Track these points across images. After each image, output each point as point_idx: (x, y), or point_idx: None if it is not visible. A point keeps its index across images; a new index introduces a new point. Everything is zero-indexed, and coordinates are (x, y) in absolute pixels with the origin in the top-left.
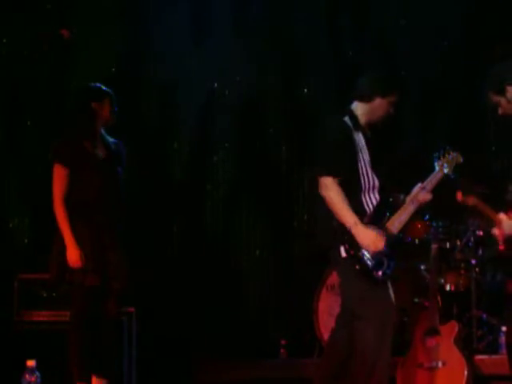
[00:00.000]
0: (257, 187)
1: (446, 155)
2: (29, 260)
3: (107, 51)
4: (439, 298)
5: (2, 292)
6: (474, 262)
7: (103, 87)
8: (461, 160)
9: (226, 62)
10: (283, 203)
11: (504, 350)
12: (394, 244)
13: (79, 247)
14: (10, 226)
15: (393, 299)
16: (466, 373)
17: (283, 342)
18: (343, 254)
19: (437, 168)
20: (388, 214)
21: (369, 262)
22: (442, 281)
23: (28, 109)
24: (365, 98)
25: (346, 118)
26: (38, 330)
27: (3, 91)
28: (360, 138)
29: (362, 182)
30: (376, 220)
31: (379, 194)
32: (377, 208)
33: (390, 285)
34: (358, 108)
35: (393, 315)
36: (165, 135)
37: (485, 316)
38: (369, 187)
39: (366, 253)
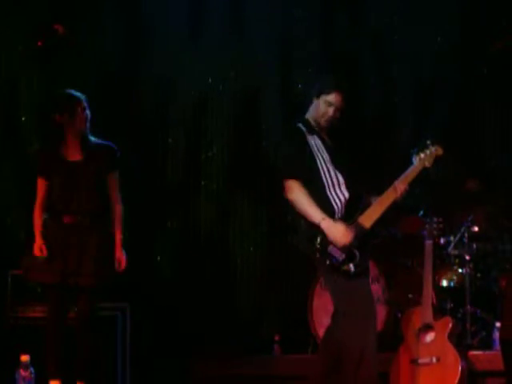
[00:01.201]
0: (251, 183)
1: (425, 149)
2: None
3: (102, 48)
4: (433, 293)
5: None
6: (468, 257)
7: (68, 94)
8: (441, 153)
9: (219, 58)
10: (278, 199)
11: (498, 346)
12: (366, 238)
13: (44, 243)
14: (5, 221)
15: (371, 292)
16: (459, 368)
17: (277, 338)
18: (317, 252)
19: (414, 162)
20: (360, 209)
21: (338, 257)
22: (436, 277)
23: (24, 105)
24: (307, 103)
25: (300, 124)
26: (32, 326)
27: None
28: (316, 141)
29: (324, 179)
30: (347, 215)
31: (347, 190)
32: (346, 204)
33: (368, 278)
34: (308, 113)
35: (372, 307)
36: (160, 131)
37: (479, 312)
38: (333, 184)
39: (333, 248)
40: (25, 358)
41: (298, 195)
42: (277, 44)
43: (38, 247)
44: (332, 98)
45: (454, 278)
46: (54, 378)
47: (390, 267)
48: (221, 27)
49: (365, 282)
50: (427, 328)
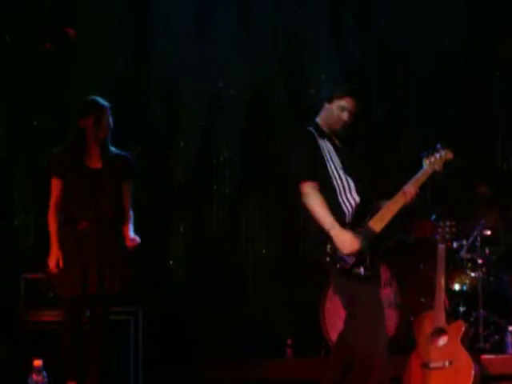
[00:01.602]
0: (263, 186)
1: (435, 153)
2: (35, 259)
3: (111, 50)
4: (446, 297)
5: (8, 292)
6: (480, 261)
7: (95, 101)
8: (451, 157)
9: (230, 61)
10: (289, 202)
11: (511, 350)
12: (377, 242)
13: (61, 253)
14: (16, 225)
15: (380, 297)
16: (472, 372)
17: (289, 342)
18: (327, 256)
19: (424, 166)
20: (370, 213)
21: (348, 260)
22: (449, 280)
23: (32, 107)
24: (318, 107)
25: (311, 128)
26: (44, 330)
27: (8, 90)
28: (327, 145)
29: (336, 184)
30: (357, 220)
31: (359, 195)
32: (357, 208)
33: (378, 283)
34: (319, 117)
35: (382, 312)
36: (169, 135)
37: (491, 316)
38: (344, 189)
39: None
40: (37, 362)
41: (313, 199)
42: (285, 45)
43: (55, 261)
44: (345, 102)
45: (467, 281)
46: (71, 380)
47: (403, 271)
48: (229, 29)
49: (375, 287)
50: (440, 332)
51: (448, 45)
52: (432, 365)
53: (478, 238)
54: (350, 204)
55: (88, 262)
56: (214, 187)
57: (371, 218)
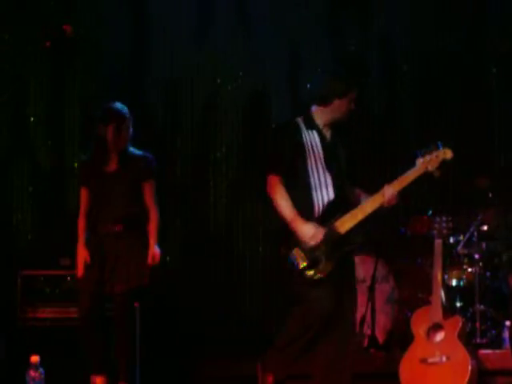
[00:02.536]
0: (260, 183)
1: (432, 152)
2: (32, 256)
3: (110, 48)
4: (443, 293)
5: (6, 289)
6: (477, 256)
7: (116, 110)
8: (449, 156)
9: (229, 58)
10: None
11: (507, 345)
12: (338, 244)
13: (86, 255)
14: (14, 222)
15: (328, 302)
16: (469, 367)
17: None
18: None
19: (416, 164)
20: (340, 212)
21: (296, 263)
22: (446, 276)
23: (31, 105)
24: (323, 102)
25: (299, 119)
26: (41, 327)
27: (7, 87)
28: (313, 137)
29: (312, 179)
30: (325, 217)
31: (334, 191)
32: (329, 205)
33: (336, 287)
34: (318, 110)
35: (320, 318)
36: (168, 132)
37: (488, 311)
38: (320, 184)
39: (297, 252)
40: (35, 358)
41: (276, 193)
42: (284, 42)
43: (82, 260)
44: (355, 94)
45: (464, 277)
46: (98, 373)
47: (400, 267)
48: (228, 27)
49: (327, 291)
50: (437, 327)
51: (448, 42)
52: (429, 360)
53: (475, 233)
54: (323, 199)
55: (104, 263)
56: (211, 183)
57: (339, 217)
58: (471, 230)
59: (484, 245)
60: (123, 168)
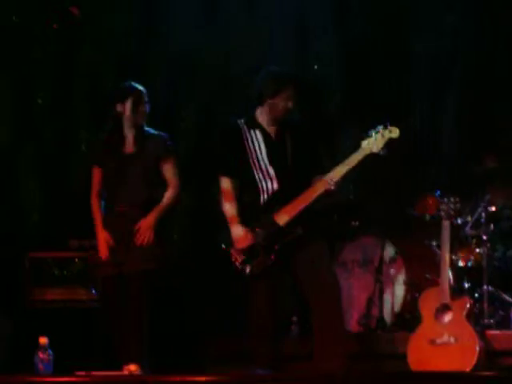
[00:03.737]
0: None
1: (376, 133)
2: (40, 238)
3: (116, 28)
4: (451, 273)
5: (14, 271)
6: (485, 237)
7: (132, 86)
8: (396, 135)
9: (235, 40)
10: None
11: None
12: (277, 235)
13: (107, 237)
14: (21, 204)
15: (264, 299)
16: (477, 348)
17: (294, 319)
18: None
19: (361, 147)
20: (281, 204)
21: (234, 257)
22: (454, 257)
23: (39, 87)
24: (258, 103)
25: (241, 121)
26: (50, 308)
27: (14, 69)
28: (255, 136)
29: (255, 172)
30: (271, 206)
31: (278, 183)
32: (273, 195)
33: (274, 279)
34: (259, 110)
35: (257, 310)
36: (172, 110)
37: (496, 292)
38: (264, 177)
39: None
40: (43, 340)
41: (221, 191)
42: (291, 23)
43: (104, 242)
44: (289, 92)
45: (472, 258)
46: (132, 362)
47: (408, 248)
48: (234, 9)
49: (262, 285)
50: (445, 308)
51: (453, 20)
52: (437, 341)
53: (483, 214)
54: (267, 190)
55: (122, 244)
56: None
57: (279, 209)
58: (479, 210)
59: (492, 226)
60: (140, 149)
